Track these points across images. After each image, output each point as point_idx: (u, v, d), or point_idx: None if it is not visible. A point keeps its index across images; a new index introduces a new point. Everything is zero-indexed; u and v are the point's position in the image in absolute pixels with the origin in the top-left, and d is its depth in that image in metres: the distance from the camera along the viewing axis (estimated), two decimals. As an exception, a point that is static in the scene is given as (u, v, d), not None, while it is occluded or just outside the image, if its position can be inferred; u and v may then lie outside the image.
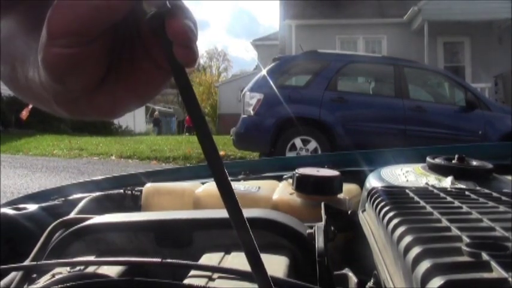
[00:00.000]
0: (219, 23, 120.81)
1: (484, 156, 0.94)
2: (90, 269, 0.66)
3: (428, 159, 0.88)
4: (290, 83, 8.13)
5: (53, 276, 0.64)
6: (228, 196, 0.37)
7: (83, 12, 0.32)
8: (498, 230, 0.39)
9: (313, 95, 7.37)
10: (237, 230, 0.37)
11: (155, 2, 0.34)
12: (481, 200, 0.53)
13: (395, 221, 0.45)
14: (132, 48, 0.38)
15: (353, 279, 0.59)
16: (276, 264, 0.64)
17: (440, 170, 0.83)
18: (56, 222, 0.82)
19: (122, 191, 1.06)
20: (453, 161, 0.85)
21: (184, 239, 0.72)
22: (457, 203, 0.51)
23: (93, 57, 0.35)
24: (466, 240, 0.37)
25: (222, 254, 0.68)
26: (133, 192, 1.05)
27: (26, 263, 0.72)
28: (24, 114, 6.98)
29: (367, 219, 0.64)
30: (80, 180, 1.32)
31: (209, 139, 0.36)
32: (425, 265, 0.34)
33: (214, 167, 0.36)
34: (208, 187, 0.98)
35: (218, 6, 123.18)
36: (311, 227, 0.71)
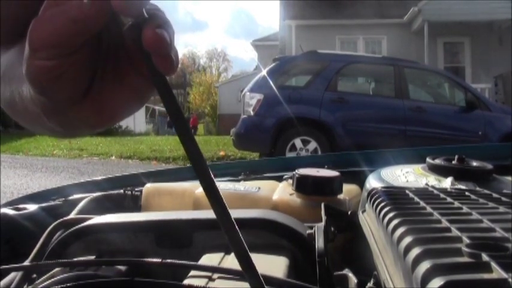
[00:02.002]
0: (218, 23, 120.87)
1: (484, 156, 0.94)
2: (90, 269, 0.66)
3: (428, 159, 0.88)
4: (290, 83, 8.13)
5: (53, 276, 0.64)
6: (214, 198, 0.37)
7: (61, 25, 0.33)
8: (498, 230, 0.40)
9: (313, 96, 7.37)
10: (225, 231, 0.37)
11: (131, 12, 0.34)
12: (481, 200, 0.53)
13: (395, 221, 0.45)
14: (116, 58, 0.38)
15: (353, 279, 0.59)
16: (275, 265, 0.64)
17: (440, 171, 0.83)
18: (56, 222, 0.82)
19: (121, 191, 1.06)
20: (453, 162, 0.85)
21: (184, 239, 0.72)
22: (457, 204, 0.51)
23: (75, 68, 0.35)
24: (466, 241, 0.37)
25: (222, 254, 0.68)
26: (133, 192, 1.05)
27: (26, 263, 0.72)
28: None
29: (367, 220, 0.64)
30: (80, 181, 1.32)
31: (193, 144, 0.36)
32: (425, 266, 0.34)
33: (199, 171, 0.37)
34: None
35: (217, 7, 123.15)
36: (311, 228, 0.71)
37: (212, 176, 0.36)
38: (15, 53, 0.48)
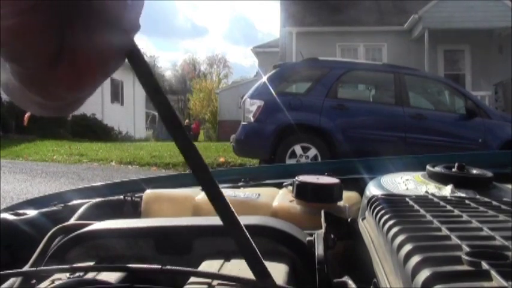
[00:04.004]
0: (217, 29, 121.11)
1: (484, 164, 0.94)
2: (90, 275, 0.66)
3: (428, 167, 0.88)
4: (290, 90, 8.14)
5: (53, 282, 0.64)
6: (218, 201, 0.36)
7: None
8: (498, 239, 0.40)
9: (313, 102, 7.38)
10: (231, 233, 0.36)
11: None
12: (481, 208, 0.53)
13: (395, 229, 0.45)
14: (88, 16, 0.36)
15: (352, 287, 0.59)
16: (275, 272, 0.64)
17: (440, 178, 0.83)
18: (56, 228, 0.82)
19: (121, 197, 1.06)
20: (453, 169, 0.85)
21: (184, 245, 0.72)
22: (457, 212, 0.51)
23: (38, 25, 0.33)
24: (466, 249, 0.37)
25: (221, 261, 0.68)
26: (133, 198, 1.05)
27: (26, 268, 0.72)
28: (26, 119, 7.01)
29: (367, 227, 0.64)
30: (80, 186, 1.32)
31: (177, 124, 0.34)
32: (425, 274, 0.34)
33: (194, 165, 0.35)
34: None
35: (216, 13, 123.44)
36: (311, 235, 0.71)
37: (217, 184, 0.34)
38: None
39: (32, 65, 0.35)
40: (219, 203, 0.34)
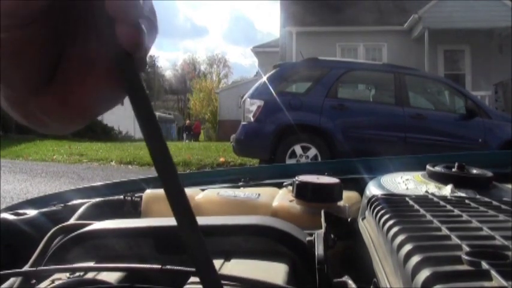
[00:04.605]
0: (217, 29, 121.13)
1: (484, 164, 0.94)
2: (90, 275, 0.66)
3: (428, 167, 0.88)
4: (290, 90, 8.13)
5: (53, 282, 0.64)
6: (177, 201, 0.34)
7: None
8: (498, 238, 0.40)
9: (313, 102, 7.38)
10: (183, 235, 0.34)
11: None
12: (481, 208, 0.53)
13: (395, 229, 0.45)
14: (86, 37, 0.32)
15: (352, 287, 0.59)
16: (275, 272, 0.64)
17: (440, 178, 0.83)
18: (56, 227, 0.82)
19: (121, 197, 1.06)
20: (453, 169, 0.85)
21: (184, 245, 0.72)
22: (457, 212, 0.51)
23: (33, 44, 0.29)
24: (466, 248, 0.37)
25: (221, 260, 0.68)
26: (133, 198, 1.05)
27: (26, 268, 0.72)
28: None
29: (367, 227, 0.64)
30: (80, 186, 1.32)
31: (159, 140, 0.31)
32: (425, 273, 0.34)
33: (164, 174, 0.32)
34: (207, 194, 0.98)
35: (216, 13, 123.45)
36: (311, 235, 0.71)
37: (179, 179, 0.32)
38: None
39: (19, 87, 0.31)
40: (177, 201, 0.32)
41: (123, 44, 0.29)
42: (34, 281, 0.67)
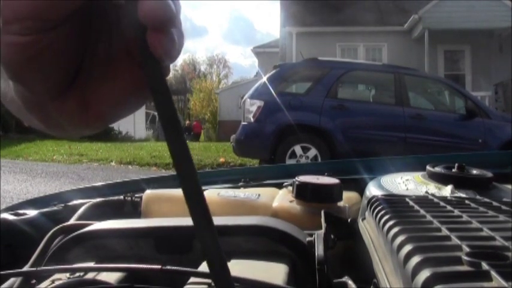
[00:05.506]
0: (217, 29, 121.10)
1: (484, 164, 0.94)
2: (90, 275, 0.66)
3: (428, 167, 0.88)
4: (290, 90, 8.13)
5: (53, 282, 0.64)
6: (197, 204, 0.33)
7: None
8: (498, 239, 0.40)
9: (313, 103, 7.38)
10: (199, 234, 0.34)
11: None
12: (481, 209, 0.53)
13: (395, 229, 0.46)
14: (109, 46, 0.32)
15: (352, 287, 0.59)
16: (275, 272, 0.64)
17: (440, 179, 0.83)
18: (56, 228, 0.82)
19: (121, 197, 1.06)
20: (453, 170, 0.85)
21: (184, 245, 0.72)
22: (457, 212, 0.51)
23: (55, 49, 0.29)
24: (466, 249, 0.37)
25: (221, 261, 0.68)
26: (133, 198, 1.05)
27: (26, 268, 0.72)
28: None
29: (367, 228, 0.64)
30: (80, 186, 1.32)
31: (184, 148, 0.31)
32: (425, 274, 0.34)
33: (184, 176, 0.31)
34: (208, 194, 0.98)
35: (215, 13, 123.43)
36: (311, 235, 0.71)
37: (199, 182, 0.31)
38: None
39: (39, 91, 0.31)
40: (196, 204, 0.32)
41: (155, 52, 0.28)
42: (34, 281, 0.67)
